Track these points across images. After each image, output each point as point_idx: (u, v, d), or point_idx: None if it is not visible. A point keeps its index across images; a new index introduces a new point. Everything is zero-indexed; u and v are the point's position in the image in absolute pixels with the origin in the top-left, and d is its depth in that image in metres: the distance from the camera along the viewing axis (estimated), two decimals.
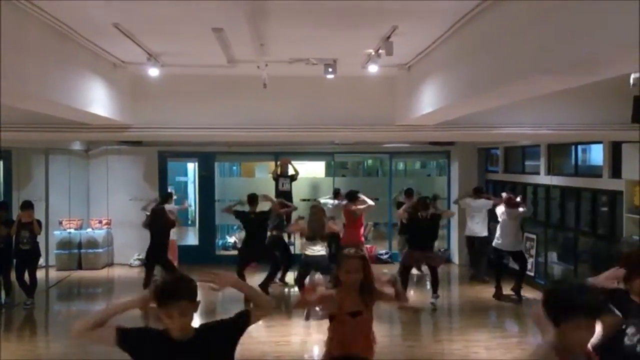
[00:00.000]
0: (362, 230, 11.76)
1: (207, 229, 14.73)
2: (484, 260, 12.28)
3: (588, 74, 4.04)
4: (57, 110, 6.41)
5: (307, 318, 7.24)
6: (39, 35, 5.13)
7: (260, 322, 3.86)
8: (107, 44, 6.36)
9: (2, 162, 13.04)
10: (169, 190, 13.53)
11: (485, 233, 12.05)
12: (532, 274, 11.73)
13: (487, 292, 11.07)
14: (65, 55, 5.75)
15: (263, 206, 11.33)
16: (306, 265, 9.67)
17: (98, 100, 6.77)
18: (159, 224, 10.39)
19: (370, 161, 19.22)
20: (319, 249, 9.53)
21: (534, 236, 11.81)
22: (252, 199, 10.87)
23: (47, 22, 5.19)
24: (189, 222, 18.90)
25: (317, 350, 8.17)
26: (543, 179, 11.37)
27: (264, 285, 10.08)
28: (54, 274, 12.54)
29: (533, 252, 11.76)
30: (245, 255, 10.75)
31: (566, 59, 3.57)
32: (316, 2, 4.77)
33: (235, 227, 16.17)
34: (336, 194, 12.98)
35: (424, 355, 7.85)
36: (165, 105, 7.94)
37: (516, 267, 10.91)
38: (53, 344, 8.78)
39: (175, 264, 11.19)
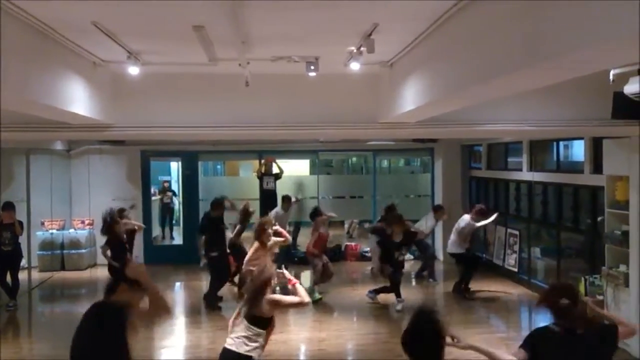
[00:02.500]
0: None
1: (192, 228, 14.63)
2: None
3: (570, 70, 4.06)
4: (36, 110, 6.34)
5: None
6: (17, 34, 5.06)
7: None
8: (87, 42, 6.29)
9: None
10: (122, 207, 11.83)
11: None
12: (515, 269, 11.82)
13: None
14: (44, 54, 5.67)
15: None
16: None
17: (78, 100, 6.70)
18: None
19: (354, 159, 19.29)
20: None
21: (517, 232, 11.90)
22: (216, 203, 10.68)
23: (25, 21, 5.12)
24: (174, 222, 18.81)
25: (304, 348, 8.19)
26: (525, 175, 11.46)
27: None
28: (36, 275, 12.44)
29: (516, 247, 11.85)
30: None
31: (548, 55, 3.59)
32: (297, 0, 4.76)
33: None
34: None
35: None
36: (147, 104, 7.88)
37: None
38: (37, 345, 8.71)
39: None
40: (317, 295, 10.48)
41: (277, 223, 11.90)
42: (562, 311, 3.91)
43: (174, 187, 18.86)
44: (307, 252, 11.06)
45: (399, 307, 9.99)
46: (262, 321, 5.14)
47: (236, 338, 5.12)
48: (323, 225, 11.05)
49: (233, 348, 5.10)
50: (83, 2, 4.78)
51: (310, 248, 10.91)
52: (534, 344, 3.98)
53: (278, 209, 12.44)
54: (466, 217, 11.06)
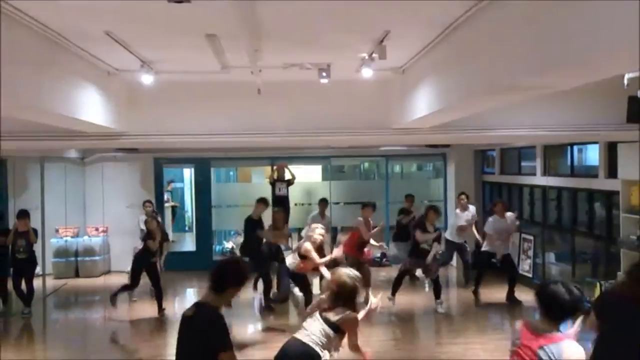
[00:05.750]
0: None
1: (204, 234, 14.70)
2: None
3: (582, 75, 4.04)
4: (51, 119, 6.40)
5: None
6: (32, 44, 5.12)
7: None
8: (100, 51, 6.35)
9: None
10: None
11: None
12: (529, 274, 11.73)
13: (486, 294, 11.08)
14: (58, 63, 5.73)
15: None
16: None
17: (92, 108, 6.76)
18: None
19: (366, 164, 19.24)
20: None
21: (531, 237, 11.81)
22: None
23: (39, 31, 5.17)
24: (186, 228, 18.88)
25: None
26: (539, 179, 11.38)
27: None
28: (51, 282, 12.49)
29: (530, 253, 11.76)
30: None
31: (560, 61, 3.57)
32: (309, 7, 4.76)
33: (232, 232, 16.16)
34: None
35: (423, 357, 7.84)
36: (160, 112, 7.93)
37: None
38: (51, 352, 8.75)
39: None
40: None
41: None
42: None
43: (187, 193, 18.98)
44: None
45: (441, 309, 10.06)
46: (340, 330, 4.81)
47: (311, 334, 4.73)
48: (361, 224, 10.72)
49: (306, 340, 4.71)
50: (96, 12, 4.83)
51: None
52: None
53: (315, 214, 12.57)
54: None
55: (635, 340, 4.18)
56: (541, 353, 3.37)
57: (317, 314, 4.86)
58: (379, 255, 14.30)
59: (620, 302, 4.32)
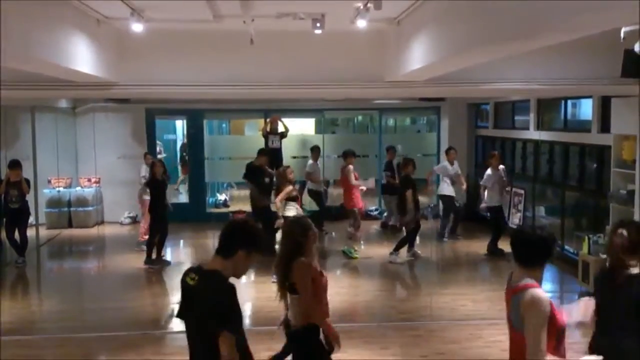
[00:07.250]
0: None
1: (197, 186, 14.72)
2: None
3: (578, 28, 4.00)
4: (40, 68, 6.31)
5: None
6: None
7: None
8: None
9: None
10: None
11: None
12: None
13: (474, 246, 11.23)
14: (47, 11, 5.61)
15: None
16: None
17: (82, 57, 6.65)
18: None
19: (360, 117, 19.16)
20: None
21: (522, 191, 11.89)
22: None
23: None
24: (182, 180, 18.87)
25: None
26: (532, 134, 11.39)
27: None
28: (44, 232, 12.56)
29: (521, 206, 11.86)
30: None
31: (556, 13, 3.53)
32: None
33: (225, 185, 16.16)
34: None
35: (413, 308, 7.99)
36: (152, 61, 7.82)
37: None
38: (45, 301, 8.86)
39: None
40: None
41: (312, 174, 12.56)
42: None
43: (179, 146, 18.88)
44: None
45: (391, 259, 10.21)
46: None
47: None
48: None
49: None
50: None
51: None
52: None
53: (311, 161, 12.84)
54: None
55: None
56: (511, 303, 3.30)
57: None
58: (372, 208, 14.39)
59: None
